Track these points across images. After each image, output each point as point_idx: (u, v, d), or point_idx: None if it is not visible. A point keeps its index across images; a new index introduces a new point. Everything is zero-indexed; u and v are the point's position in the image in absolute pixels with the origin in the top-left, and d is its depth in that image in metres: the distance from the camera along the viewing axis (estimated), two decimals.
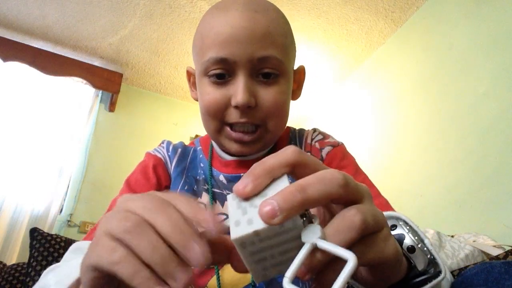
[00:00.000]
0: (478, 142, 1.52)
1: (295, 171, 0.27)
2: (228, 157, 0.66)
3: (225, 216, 0.62)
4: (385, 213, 0.35)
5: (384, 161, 2.05)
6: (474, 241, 1.22)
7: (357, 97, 2.53)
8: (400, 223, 0.34)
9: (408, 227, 0.33)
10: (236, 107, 0.55)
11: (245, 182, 0.26)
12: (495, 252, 1.10)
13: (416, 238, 0.32)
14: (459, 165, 1.57)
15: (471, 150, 1.54)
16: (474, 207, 1.45)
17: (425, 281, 0.32)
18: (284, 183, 0.26)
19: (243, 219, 0.26)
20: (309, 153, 0.63)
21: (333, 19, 2.20)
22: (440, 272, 0.32)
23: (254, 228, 0.25)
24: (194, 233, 0.26)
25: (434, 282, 0.32)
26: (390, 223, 0.34)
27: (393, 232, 0.33)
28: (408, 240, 0.33)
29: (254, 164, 0.27)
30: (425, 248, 0.32)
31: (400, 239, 0.33)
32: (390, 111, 2.15)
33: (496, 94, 1.49)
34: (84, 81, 2.73)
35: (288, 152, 0.27)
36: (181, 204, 0.28)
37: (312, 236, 0.24)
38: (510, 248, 1.09)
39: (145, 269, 0.26)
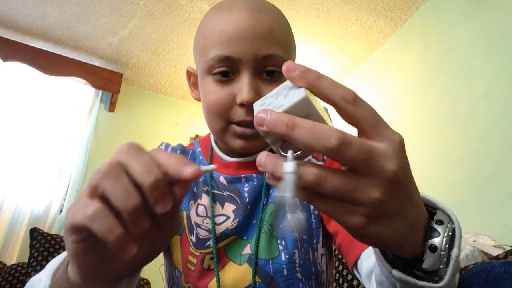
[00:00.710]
0: (478, 142, 1.52)
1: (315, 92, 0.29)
2: (229, 159, 0.66)
3: (225, 218, 0.62)
4: (443, 206, 0.34)
5: None
6: (474, 241, 1.22)
7: None
8: (448, 225, 0.32)
9: (449, 233, 0.32)
10: (242, 104, 0.55)
11: (296, 68, 0.28)
12: (495, 252, 1.10)
13: (447, 245, 0.31)
14: (459, 165, 1.58)
15: (471, 150, 1.54)
16: (474, 207, 1.45)
17: (421, 279, 0.32)
18: (298, 94, 0.28)
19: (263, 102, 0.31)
20: (310, 158, 0.63)
21: (333, 19, 2.20)
22: (438, 281, 0.31)
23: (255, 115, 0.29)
24: (162, 179, 0.29)
25: (429, 284, 0.31)
26: (440, 217, 0.33)
27: (436, 226, 0.32)
28: (438, 241, 0.31)
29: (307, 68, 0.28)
30: (445, 259, 0.31)
31: (433, 235, 0.32)
32: (390, 111, 2.15)
33: (496, 94, 1.49)
34: (84, 81, 2.73)
35: (336, 90, 0.28)
36: (159, 154, 0.31)
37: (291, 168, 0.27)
38: (510, 248, 1.09)
39: (119, 226, 0.28)
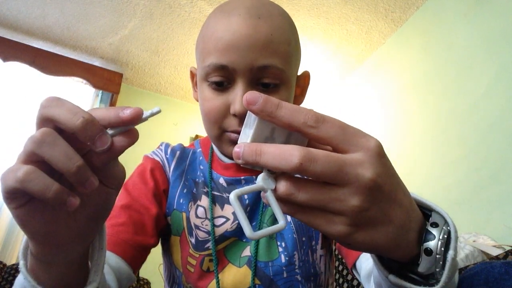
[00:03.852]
0: (478, 142, 1.52)
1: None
2: (228, 160, 0.65)
3: (224, 219, 0.62)
4: (438, 208, 0.34)
5: None
6: (474, 241, 1.22)
7: (357, 97, 2.53)
8: (444, 227, 0.32)
9: (445, 236, 0.32)
10: (235, 115, 0.54)
11: (255, 101, 0.28)
12: (495, 252, 1.10)
13: (442, 248, 0.31)
14: (459, 165, 1.57)
15: (471, 150, 1.54)
16: (474, 207, 1.45)
17: (418, 283, 0.32)
18: (254, 118, 0.30)
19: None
20: None
21: (333, 19, 2.20)
22: (434, 284, 0.31)
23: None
24: (90, 118, 0.29)
25: None
26: (435, 220, 0.33)
27: (431, 229, 0.32)
28: (433, 244, 0.31)
29: (269, 100, 0.28)
30: (441, 262, 0.31)
31: (428, 238, 0.31)
32: (391, 111, 2.15)
33: (496, 94, 1.49)
34: (84, 81, 2.73)
35: (295, 118, 0.28)
36: (95, 110, 0.30)
37: (268, 185, 0.29)
38: (510, 248, 1.09)
39: (55, 183, 0.28)
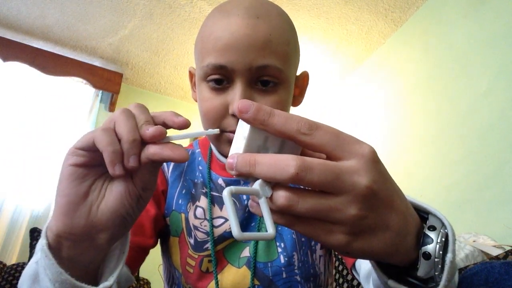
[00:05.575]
0: (478, 142, 1.52)
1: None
2: None
3: (223, 220, 0.62)
4: (434, 211, 0.34)
5: (383, 161, 2.04)
6: (474, 241, 1.22)
7: (357, 97, 2.53)
8: (441, 230, 0.32)
9: (443, 239, 0.31)
10: (233, 115, 0.54)
11: (248, 109, 0.29)
12: (495, 252, 1.10)
13: (440, 252, 0.31)
14: (459, 165, 1.57)
15: (471, 150, 1.54)
16: (474, 207, 1.45)
17: (417, 287, 0.32)
18: (246, 128, 0.29)
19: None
20: None
21: (333, 19, 2.20)
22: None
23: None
24: (150, 117, 0.35)
25: None
26: (432, 223, 0.33)
27: (428, 233, 0.32)
28: (431, 248, 0.31)
29: (260, 106, 0.29)
30: (439, 266, 0.31)
31: (426, 242, 0.31)
32: (391, 111, 2.15)
33: (496, 94, 1.49)
34: (84, 81, 2.73)
35: (289, 125, 0.28)
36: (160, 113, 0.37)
37: (265, 192, 0.28)
38: (510, 248, 1.09)
39: (119, 145, 0.33)
